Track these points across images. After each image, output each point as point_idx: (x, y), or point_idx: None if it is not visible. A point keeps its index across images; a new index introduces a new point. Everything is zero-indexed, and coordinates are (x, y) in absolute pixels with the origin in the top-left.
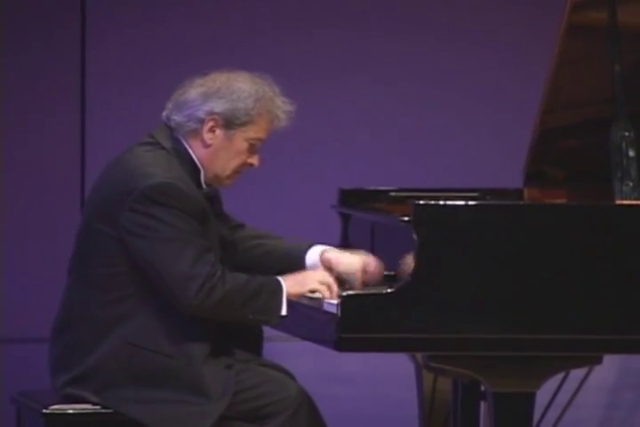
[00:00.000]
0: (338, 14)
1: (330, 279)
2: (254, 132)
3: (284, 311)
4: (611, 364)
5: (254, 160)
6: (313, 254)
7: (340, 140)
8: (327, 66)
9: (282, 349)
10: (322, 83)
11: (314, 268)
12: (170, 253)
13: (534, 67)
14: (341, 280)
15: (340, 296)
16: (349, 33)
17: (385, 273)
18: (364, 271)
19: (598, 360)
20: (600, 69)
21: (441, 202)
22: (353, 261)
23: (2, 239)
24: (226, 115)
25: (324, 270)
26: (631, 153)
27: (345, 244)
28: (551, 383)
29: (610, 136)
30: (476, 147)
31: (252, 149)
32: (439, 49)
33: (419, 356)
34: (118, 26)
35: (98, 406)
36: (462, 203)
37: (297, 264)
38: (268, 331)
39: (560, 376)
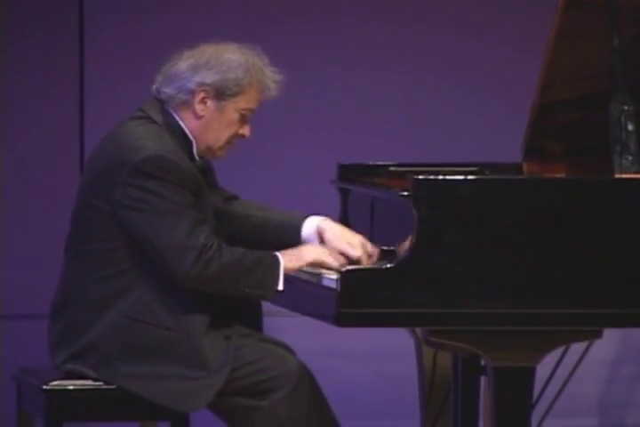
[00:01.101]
0: None
1: (327, 251)
2: (245, 102)
3: (280, 286)
4: (611, 338)
5: (245, 131)
6: (309, 226)
7: (339, 115)
8: (327, 43)
9: (282, 324)
10: (321, 58)
11: (309, 240)
12: (164, 225)
13: (533, 40)
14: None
15: (339, 271)
16: (349, 15)
17: (385, 248)
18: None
19: (598, 334)
20: (599, 43)
21: (440, 177)
22: (351, 233)
23: (1, 216)
24: (216, 85)
25: (319, 242)
26: (630, 127)
27: (344, 218)
28: (551, 357)
29: (609, 110)
30: (475, 121)
31: (243, 120)
32: (436, 24)
33: (418, 331)
34: (117, 13)
35: (98, 382)
36: (461, 177)
37: (293, 235)
38: (267, 306)
39: (560, 350)
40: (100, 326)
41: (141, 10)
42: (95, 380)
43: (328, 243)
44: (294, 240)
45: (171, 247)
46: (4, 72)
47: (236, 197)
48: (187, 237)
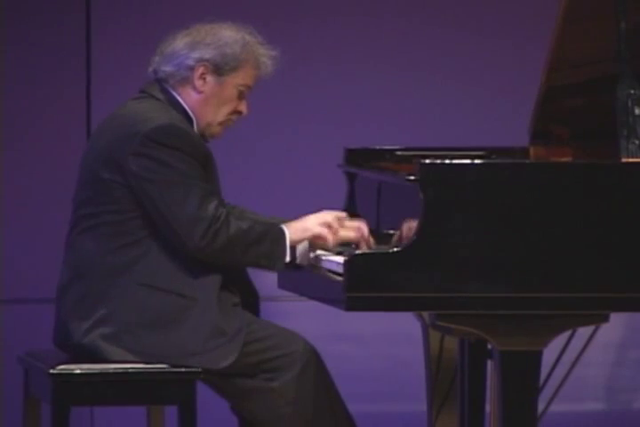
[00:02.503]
0: None
1: (330, 218)
2: (242, 78)
3: (288, 257)
4: (617, 322)
5: (243, 107)
6: None
7: (346, 99)
8: (332, 27)
9: (287, 308)
10: (327, 43)
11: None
12: (175, 196)
13: (540, 24)
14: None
15: (345, 254)
16: (355, 2)
17: (392, 232)
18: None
19: (605, 318)
20: (607, 27)
21: (447, 161)
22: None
23: (1, 199)
24: (215, 60)
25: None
26: (637, 111)
27: (351, 203)
28: (558, 342)
29: (616, 94)
30: (482, 105)
31: (240, 96)
32: (441, 8)
33: (425, 315)
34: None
35: (105, 366)
36: (468, 162)
37: None
38: (274, 290)
39: (567, 334)
40: (115, 295)
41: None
42: (112, 361)
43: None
44: None
45: (182, 219)
46: (6, 64)
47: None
48: (197, 208)
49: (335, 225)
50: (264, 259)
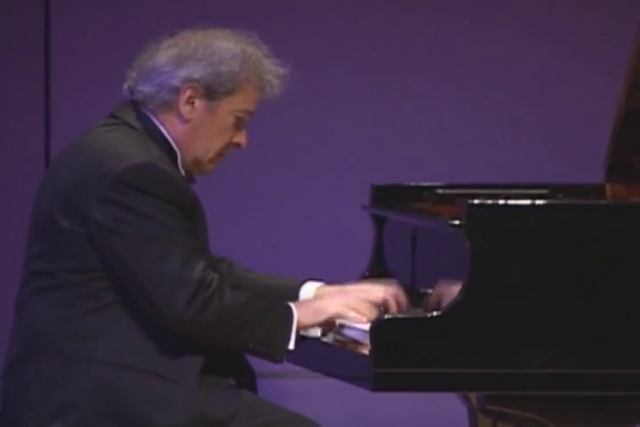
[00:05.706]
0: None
1: (352, 303)
2: (241, 102)
3: (291, 345)
4: None
5: (241, 139)
6: (308, 291)
7: (374, 127)
8: (361, 53)
9: (294, 387)
10: (357, 69)
11: None
12: (152, 253)
13: (614, 37)
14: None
15: (373, 321)
16: (387, 28)
17: (430, 291)
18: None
19: None
20: None
21: (500, 201)
22: (361, 286)
23: None
24: (207, 81)
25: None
26: None
27: (378, 253)
28: None
29: None
30: (544, 133)
31: (238, 125)
32: (496, 38)
33: (473, 396)
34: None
35: None
36: (527, 202)
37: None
38: (278, 365)
39: None
40: (76, 377)
41: None
42: None
43: None
44: None
45: (160, 281)
46: None
47: (222, 259)
48: (180, 268)
49: (359, 307)
50: (261, 344)
